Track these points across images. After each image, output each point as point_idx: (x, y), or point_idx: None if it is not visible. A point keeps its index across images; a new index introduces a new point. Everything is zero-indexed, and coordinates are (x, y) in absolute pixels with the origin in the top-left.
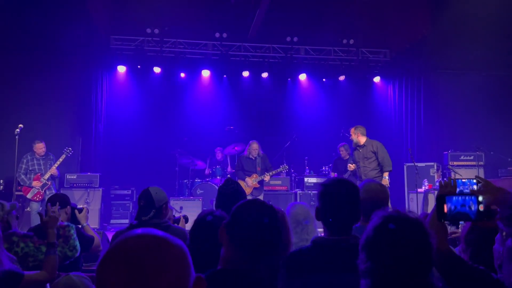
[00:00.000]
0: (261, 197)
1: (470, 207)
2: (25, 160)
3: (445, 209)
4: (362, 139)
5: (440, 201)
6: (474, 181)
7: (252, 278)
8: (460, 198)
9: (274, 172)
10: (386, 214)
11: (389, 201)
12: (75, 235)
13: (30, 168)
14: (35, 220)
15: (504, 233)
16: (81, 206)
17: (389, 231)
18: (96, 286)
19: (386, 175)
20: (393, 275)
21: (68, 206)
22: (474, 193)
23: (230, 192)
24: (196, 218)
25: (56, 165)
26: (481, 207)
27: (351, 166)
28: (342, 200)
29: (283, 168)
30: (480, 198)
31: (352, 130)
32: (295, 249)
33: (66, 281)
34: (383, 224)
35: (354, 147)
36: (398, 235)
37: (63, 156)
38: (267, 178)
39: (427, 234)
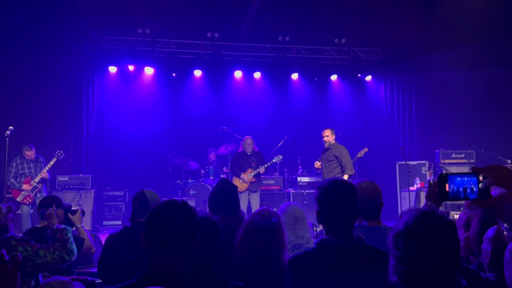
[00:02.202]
0: (258, 192)
1: (471, 187)
2: (14, 164)
3: (447, 188)
4: (333, 142)
5: (441, 180)
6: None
7: (168, 277)
8: (462, 177)
9: (269, 164)
10: (425, 209)
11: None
12: (72, 239)
13: (20, 172)
14: (26, 223)
15: (505, 232)
16: (75, 208)
17: (430, 223)
18: None
19: (345, 177)
20: (429, 264)
21: (59, 209)
22: (474, 171)
23: (220, 193)
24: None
25: (46, 168)
26: (481, 185)
27: (318, 163)
28: (340, 201)
29: (277, 158)
30: (481, 177)
31: (329, 131)
32: (299, 252)
33: None
34: (423, 217)
35: (328, 147)
36: (437, 228)
37: (54, 159)
38: (262, 170)
39: (458, 236)
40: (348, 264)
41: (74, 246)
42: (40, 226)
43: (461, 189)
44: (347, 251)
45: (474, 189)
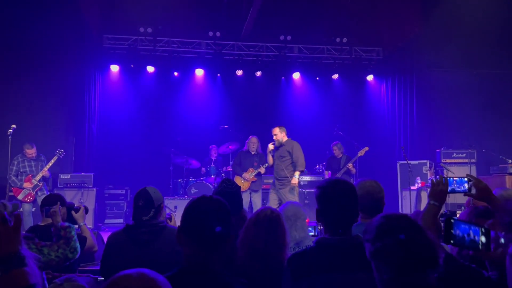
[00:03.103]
0: (259, 192)
1: (474, 237)
2: (16, 162)
3: (452, 232)
4: (285, 138)
5: (447, 224)
6: (466, 179)
7: (205, 271)
8: (466, 225)
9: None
10: (386, 214)
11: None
12: (75, 236)
13: (21, 170)
14: (28, 221)
15: (502, 240)
16: (78, 205)
17: (395, 223)
18: None
19: (297, 174)
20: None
21: (62, 207)
22: (478, 224)
23: (223, 193)
24: None
25: (47, 166)
26: (483, 239)
27: (270, 146)
28: (340, 200)
29: None
30: (483, 230)
31: (278, 129)
32: (298, 250)
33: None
34: (390, 219)
35: (278, 145)
36: (402, 225)
37: (55, 158)
38: (262, 170)
39: (420, 226)
40: (346, 262)
41: (77, 244)
42: (42, 224)
43: (465, 235)
44: (345, 250)
45: (477, 238)
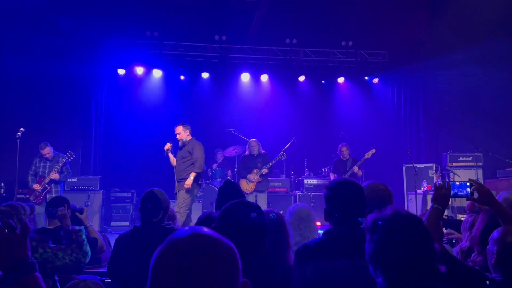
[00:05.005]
0: (265, 193)
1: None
2: (34, 162)
3: None
4: (189, 138)
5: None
6: (468, 184)
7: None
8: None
9: (273, 162)
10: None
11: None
12: (86, 240)
13: (37, 171)
14: (39, 223)
15: None
16: (80, 207)
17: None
18: (150, 286)
19: (192, 175)
20: (407, 261)
21: (68, 209)
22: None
23: (228, 193)
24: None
25: (55, 169)
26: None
27: (168, 145)
28: (348, 200)
29: (281, 156)
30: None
31: (181, 128)
32: (308, 241)
33: (84, 286)
34: (392, 218)
35: (181, 145)
36: (407, 226)
37: (63, 160)
38: (264, 170)
39: (426, 228)
40: (351, 250)
41: (88, 248)
42: (51, 227)
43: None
44: (352, 240)
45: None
